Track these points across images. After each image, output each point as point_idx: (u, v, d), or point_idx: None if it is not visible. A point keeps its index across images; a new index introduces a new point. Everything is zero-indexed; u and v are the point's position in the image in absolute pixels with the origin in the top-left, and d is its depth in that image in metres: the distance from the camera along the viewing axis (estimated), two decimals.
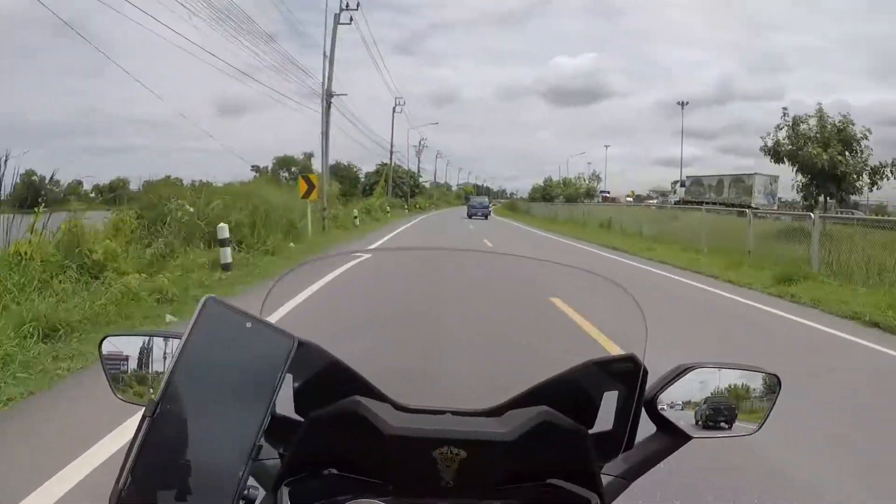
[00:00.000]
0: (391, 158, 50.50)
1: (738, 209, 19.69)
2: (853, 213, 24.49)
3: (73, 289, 6.05)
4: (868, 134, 20.39)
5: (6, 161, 7.13)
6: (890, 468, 3.12)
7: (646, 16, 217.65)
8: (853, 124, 20.44)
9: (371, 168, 54.97)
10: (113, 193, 11.90)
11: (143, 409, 0.60)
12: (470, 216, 39.56)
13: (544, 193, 68.12)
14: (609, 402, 0.89)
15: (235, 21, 19.92)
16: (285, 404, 0.82)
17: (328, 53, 19.84)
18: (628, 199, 63.36)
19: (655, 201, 53.63)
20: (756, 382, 0.92)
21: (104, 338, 0.86)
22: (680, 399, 0.89)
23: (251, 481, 0.68)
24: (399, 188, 54.56)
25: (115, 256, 7.14)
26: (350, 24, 24.34)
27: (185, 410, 0.60)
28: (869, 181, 20.46)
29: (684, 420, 0.89)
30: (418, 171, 68.29)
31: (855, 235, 11.64)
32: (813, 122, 20.93)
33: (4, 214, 6.84)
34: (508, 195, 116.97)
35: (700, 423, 0.89)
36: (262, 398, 0.63)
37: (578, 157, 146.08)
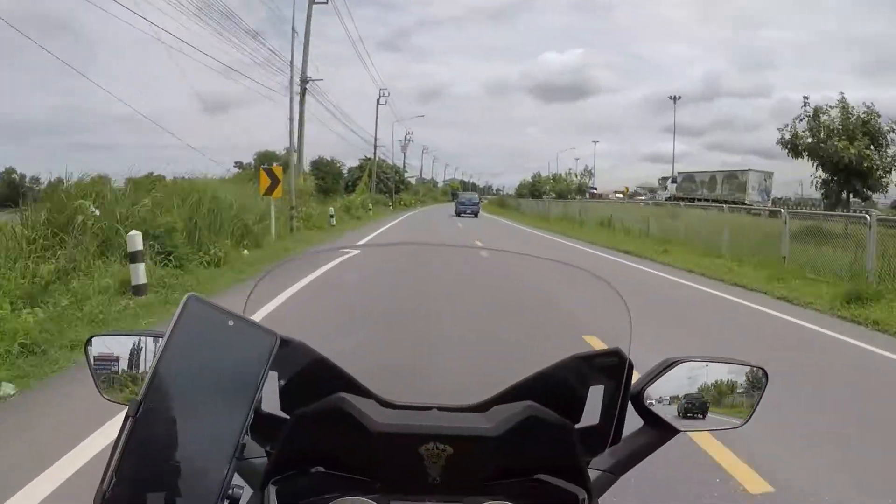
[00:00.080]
0: (375, 153, 48.17)
1: (748, 208, 17.80)
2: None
3: None
4: (895, 127, 18.65)
5: None
6: None
7: (633, 12, 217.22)
8: (879, 116, 18.68)
9: (355, 164, 52.38)
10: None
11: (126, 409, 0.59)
12: (458, 214, 37.06)
13: (533, 189, 66.49)
14: (595, 397, 0.89)
15: (214, 12, 17.65)
16: (271, 402, 0.84)
17: (297, 29, 17.52)
18: (618, 195, 62.12)
19: (644, 198, 52.13)
20: (743, 376, 0.90)
21: (90, 338, 0.84)
22: (667, 393, 0.88)
23: (237, 480, 0.65)
24: (383, 184, 52.06)
25: None
26: (326, 2, 22.10)
27: (169, 410, 0.59)
28: None
29: (671, 414, 0.88)
30: (404, 166, 65.92)
31: None
32: (834, 113, 19.13)
33: None
34: (495, 191, 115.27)
35: (687, 416, 0.88)
36: (246, 396, 0.62)
37: (568, 152, 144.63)
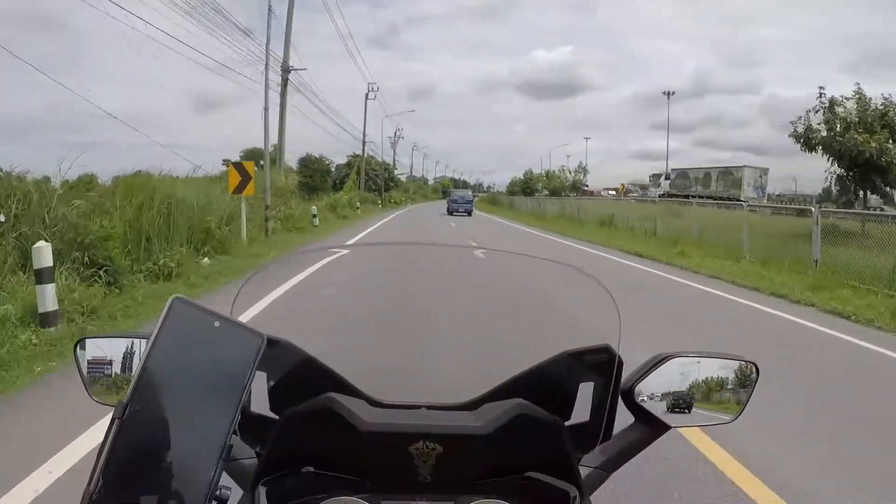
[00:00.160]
0: (363, 148, 46.58)
1: (772, 206, 16.59)
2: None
3: None
4: None
5: None
6: None
7: (622, 9, 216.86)
8: None
9: (344, 161, 50.65)
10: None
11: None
12: (451, 212, 35.07)
13: (525, 187, 65.34)
14: (585, 394, 0.88)
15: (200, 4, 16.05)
16: (261, 403, 0.84)
17: (279, 14, 15.98)
18: (610, 192, 61.29)
19: (636, 195, 51.16)
20: (734, 371, 0.89)
21: (79, 340, 0.84)
22: (658, 389, 0.87)
23: (225, 481, 0.64)
24: (372, 181, 50.42)
25: None
26: None
27: (155, 411, 0.58)
28: None
29: (662, 410, 0.87)
30: (394, 163, 64.25)
31: None
32: (850, 104, 17.96)
33: None
34: (485, 189, 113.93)
35: (678, 412, 0.87)
36: (233, 397, 0.61)
37: (560, 148, 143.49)
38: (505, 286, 2.31)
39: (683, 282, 10.04)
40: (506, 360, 1.00)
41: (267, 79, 13.53)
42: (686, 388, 0.87)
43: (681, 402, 0.87)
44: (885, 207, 21.24)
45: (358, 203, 32.34)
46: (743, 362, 0.89)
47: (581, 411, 0.87)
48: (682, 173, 49.89)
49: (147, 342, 0.59)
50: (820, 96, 18.09)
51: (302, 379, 0.83)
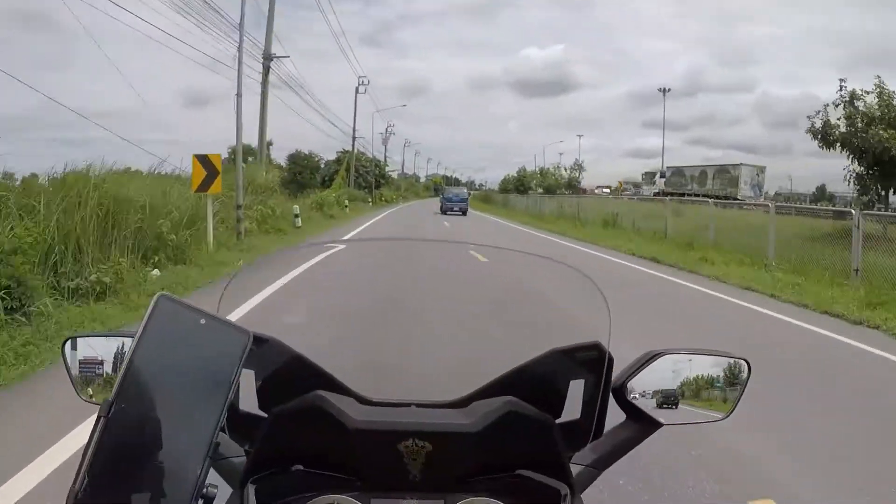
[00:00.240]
0: (353, 144, 45.00)
1: (807, 208, 15.41)
2: None
3: None
4: None
5: None
6: None
7: (614, 7, 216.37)
8: None
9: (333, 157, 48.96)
10: None
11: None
12: (444, 211, 32.85)
13: (518, 184, 64.17)
14: (576, 391, 0.88)
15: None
16: (249, 401, 0.83)
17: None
18: (604, 190, 60.48)
19: (629, 193, 50.19)
20: (726, 368, 0.89)
21: (66, 339, 0.84)
22: (650, 386, 0.86)
23: (213, 480, 0.64)
24: (363, 178, 48.83)
25: None
26: None
27: (141, 409, 0.58)
28: None
29: (654, 407, 0.86)
30: (385, 160, 62.65)
31: None
32: (871, 98, 16.80)
33: None
34: (477, 186, 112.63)
35: (670, 409, 0.86)
36: (219, 394, 0.60)
37: (555, 145, 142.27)
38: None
39: (717, 295, 8.72)
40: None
41: (240, 60, 12.02)
42: (678, 386, 0.86)
43: (672, 400, 0.86)
44: None
45: (346, 201, 30.73)
46: (735, 359, 0.88)
47: (572, 409, 0.87)
48: (678, 171, 48.96)
49: (132, 340, 0.59)
50: (840, 89, 16.93)
51: (290, 377, 0.83)
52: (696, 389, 0.86)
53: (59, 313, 5.26)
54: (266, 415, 0.79)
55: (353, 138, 44.41)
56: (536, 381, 0.85)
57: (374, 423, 0.73)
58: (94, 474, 0.54)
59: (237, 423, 0.77)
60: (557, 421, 0.82)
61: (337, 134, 48.87)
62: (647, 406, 0.85)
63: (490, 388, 0.85)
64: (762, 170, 45.68)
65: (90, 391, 0.80)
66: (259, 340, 0.70)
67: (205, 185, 9.68)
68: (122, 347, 0.78)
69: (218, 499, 0.64)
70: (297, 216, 16.75)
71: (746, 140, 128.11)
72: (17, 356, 4.22)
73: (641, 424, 0.86)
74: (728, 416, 0.87)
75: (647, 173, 58.91)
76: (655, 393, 0.85)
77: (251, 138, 25.14)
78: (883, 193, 17.04)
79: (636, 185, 59.36)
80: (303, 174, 43.89)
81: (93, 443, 0.55)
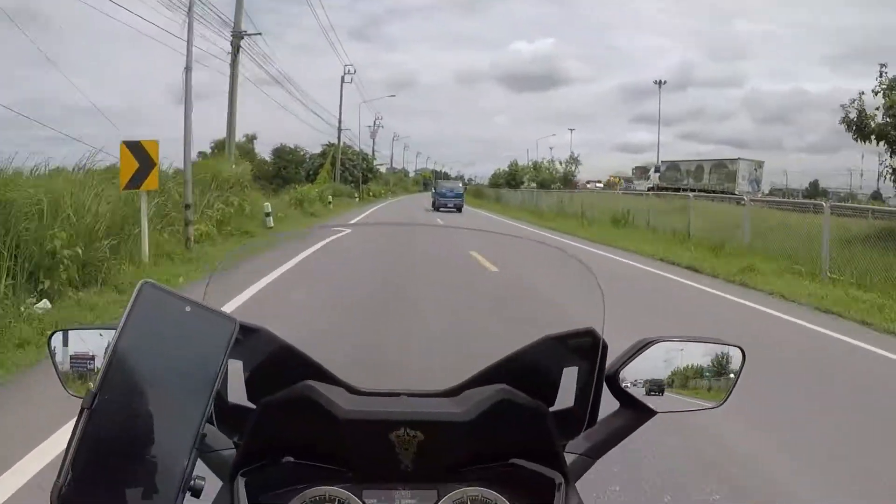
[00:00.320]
0: (339, 136, 42.69)
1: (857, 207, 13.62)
2: None
3: None
4: None
5: None
6: None
7: (604, 1, 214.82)
8: None
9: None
10: None
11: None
12: (437, 207, 29.45)
13: (510, 179, 62.29)
14: (569, 379, 0.87)
15: None
16: (238, 392, 0.82)
17: None
18: (598, 184, 58.98)
19: (620, 188, 48.63)
20: (720, 356, 0.88)
21: (53, 332, 0.82)
22: (643, 374, 0.85)
23: (204, 473, 0.63)
24: (349, 172, 46.55)
25: None
26: None
27: (125, 400, 0.56)
28: None
29: (648, 395, 0.85)
30: (373, 154, 60.33)
31: None
32: None
33: None
34: (468, 180, 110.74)
35: (664, 397, 0.85)
36: (206, 384, 0.59)
37: (547, 139, 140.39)
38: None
39: (800, 323, 6.71)
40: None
41: (191, 24, 9.71)
42: (671, 373, 0.86)
43: (666, 387, 0.86)
44: None
45: (330, 197, 28.44)
46: (728, 346, 0.88)
47: (565, 397, 0.86)
48: (673, 165, 47.43)
49: (115, 330, 0.57)
50: (880, 75, 15.11)
51: (279, 367, 0.82)
52: (690, 377, 0.86)
53: None
54: (255, 406, 0.78)
55: (339, 129, 42.11)
56: (529, 369, 0.84)
57: (365, 413, 0.73)
58: (78, 468, 0.53)
59: (226, 414, 0.76)
60: (551, 409, 0.81)
61: (324, 127, 46.52)
62: (641, 394, 0.84)
63: (482, 376, 0.85)
64: (760, 164, 44.24)
65: (79, 386, 0.78)
66: (247, 330, 0.71)
67: (136, 181, 7.51)
68: (99, 335, 0.78)
69: (210, 492, 0.63)
70: (268, 215, 14.55)
71: (736, 135, 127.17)
72: None
73: (635, 412, 0.85)
74: (722, 404, 0.87)
75: (638, 168, 57.33)
76: (649, 381, 0.84)
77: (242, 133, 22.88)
78: None
79: (627, 180, 57.77)
80: (287, 168, 41.58)
81: (76, 436, 0.53)
